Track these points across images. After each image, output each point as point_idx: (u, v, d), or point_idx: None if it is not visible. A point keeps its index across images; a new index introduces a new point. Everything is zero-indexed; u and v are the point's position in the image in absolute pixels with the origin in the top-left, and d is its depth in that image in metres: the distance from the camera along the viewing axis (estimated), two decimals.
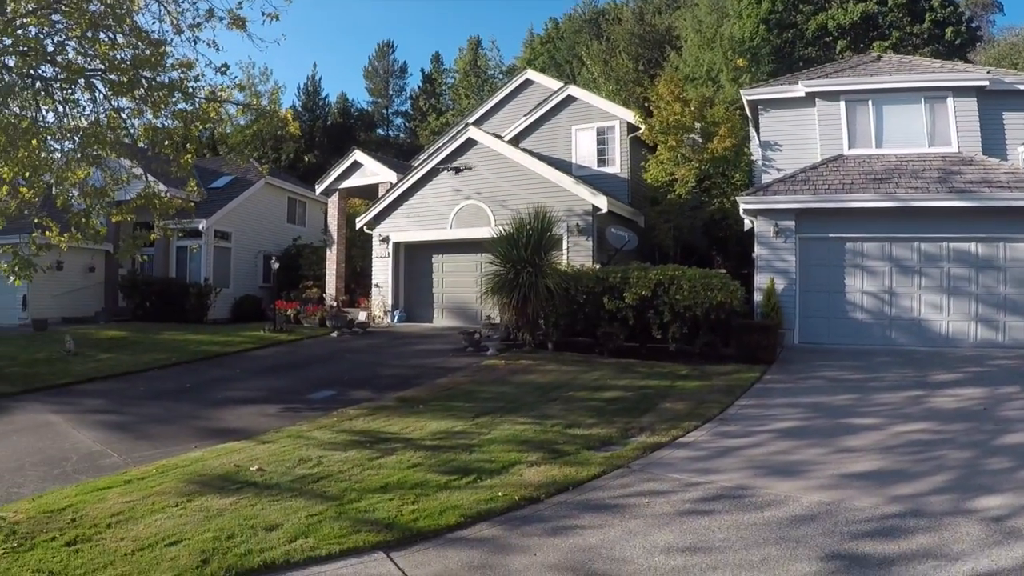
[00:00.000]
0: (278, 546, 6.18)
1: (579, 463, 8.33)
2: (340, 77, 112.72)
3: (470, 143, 23.72)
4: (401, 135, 68.82)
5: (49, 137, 15.13)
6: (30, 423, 12.17)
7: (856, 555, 5.58)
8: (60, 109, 15.31)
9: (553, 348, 17.29)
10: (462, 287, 23.92)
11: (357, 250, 29.97)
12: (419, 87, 68.88)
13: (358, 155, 28.66)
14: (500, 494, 7.26)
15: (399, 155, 40.80)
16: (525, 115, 27.22)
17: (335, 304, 26.57)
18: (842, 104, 19.87)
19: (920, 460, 8.19)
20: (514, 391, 13.00)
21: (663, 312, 15.84)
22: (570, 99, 26.22)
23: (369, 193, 29.24)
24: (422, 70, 69.75)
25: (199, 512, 7.09)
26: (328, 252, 29.38)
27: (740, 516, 6.52)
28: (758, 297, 17.73)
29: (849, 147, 19.66)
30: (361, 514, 6.91)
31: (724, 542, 5.97)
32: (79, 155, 15.10)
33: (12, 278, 15.46)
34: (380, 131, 68.85)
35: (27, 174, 14.21)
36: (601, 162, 25.26)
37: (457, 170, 24.00)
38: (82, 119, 15.48)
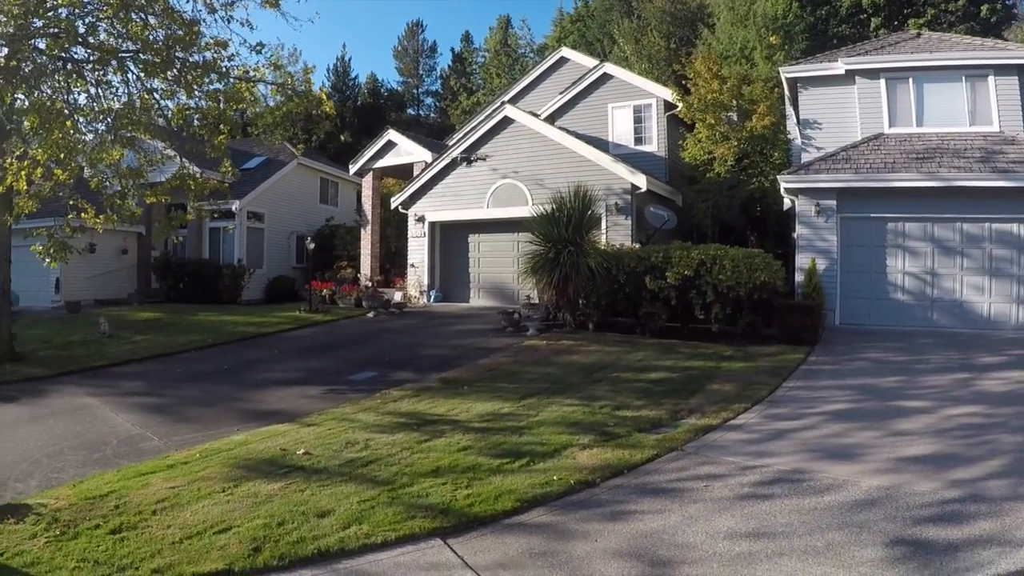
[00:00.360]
0: (331, 533, 6.13)
1: (632, 446, 8.31)
2: (370, 57, 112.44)
3: (506, 121, 23.63)
4: (432, 115, 68.66)
5: (82, 119, 15.20)
6: (67, 406, 12.15)
7: (920, 541, 5.54)
8: (92, 91, 15.38)
9: (594, 328, 17.24)
10: (499, 267, 23.94)
11: (392, 230, 29.98)
12: (449, 67, 68.60)
13: (392, 134, 28.64)
14: (555, 478, 7.23)
15: (430, 135, 40.79)
16: (560, 93, 27.09)
17: (370, 284, 26.65)
18: (882, 82, 19.57)
19: (974, 444, 8.11)
20: (559, 372, 12.99)
21: (706, 292, 15.76)
22: (606, 77, 26.04)
23: (403, 173, 29.22)
24: (452, 50, 69.35)
25: (247, 498, 7.02)
26: (362, 232, 29.45)
27: (800, 500, 6.48)
28: (799, 277, 17.57)
29: (890, 126, 19.38)
30: (414, 499, 6.85)
31: (787, 527, 5.94)
32: (112, 137, 15.16)
33: (48, 260, 15.63)
34: (410, 111, 68.78)
35: (62, 155, 14.26)
36: (638, 140, 25.10)
37: (469, 161, 24.00)
38: (115, 101, 15.56)
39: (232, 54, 15.95)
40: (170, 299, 27.85)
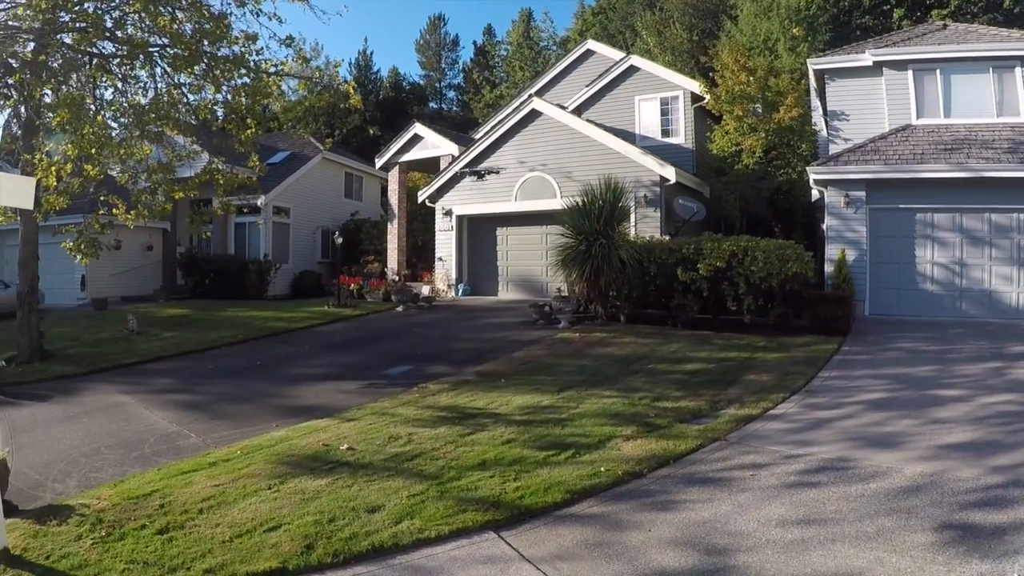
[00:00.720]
0: (384, 528, 6.15)
1: (675, 436, 8.42)
2: (392, 51, 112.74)
3: (534, 114, 23.71)
4: (454, 108, 68.68)
5: (110, 113, 15.29)
6: (100, 404, 12.11)
7: (968, 525, 5.63)
8: (119, 86, 15.45)
9: (625, 320, 17.32)
10: (527, 260, 24.04)
11: (418, 224, 30.16)
12: (471, 60, 68.66)
13: (418, 128, 28.78)
14: (602, 469, 7.32)
15: (452, 128, 40.81)
16: (587, 86, 27.16)
17: (398, 278, 26.83)
18: (910, 73, 19.54)
19: (1013, 431, 8.17)
20: (594, 364, 13.05)
21: (738, 284, 15.81)
22: (633, 69, 26.08)
23: (429, 166, 29.39)
24: (474, 43, 69.49)
25: (294, 494, 7.02)
26: (389, 226, 29.64)
27: (846, 488, 6.59)
28: (828, 268, 17.64)
29: (917, 117, 19.35)
30: (464, 493, 6.89)
31: (836, 514, 6.05)
32: (139, 132, 15.24)
33: (79, 257, 15.77)
34: (432, 104, 68.85)
35: (93, 151, 14.32)
36: (665, 133, 25.15)
37: (479, 175, 24.15)
38: (142, 95, 15.65)
39: (260, 48, 16.09)
40: (196, 295, 28.03)
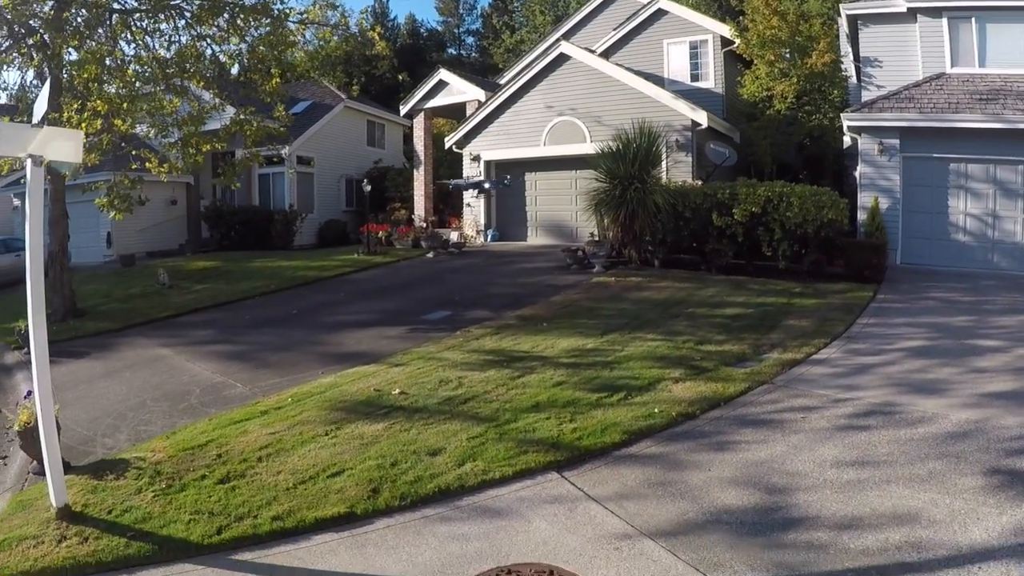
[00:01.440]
0: (448, 471, 6.30)
1: (723, 379, 8.58)
2: None
3: (562, 58, 23.43)
4: (473, 54, 67.84)
5: (137, 67, 15.24)
6: (140, 358, 12.16)
7: (1016, 471, 5.80)
8: (142, 40, 15.43)
9: (659, 265, 17.37)
10: (557, 205, 24.00)
11: (444, 170, 30.05)
12: (490, 4, 67.35)
13: (443, 74, 28.55)
14: (656, 411, 7.50)
15: (472, 73, 40.55)
16: (614, 29, 26.89)
17: (426, 225, 26.89)
18: (945, 21, 19.16)
19: None
20: (634, 308, 13.14)
21: (773, 229, 15.75)
22: (661, 12, 25.79)
23: (455, 112, 29.27)
24: None
25: (353, 440, 7.13)
26: (415, 173, 29.60)
27: (895, 432, 6.76)
28: (861, 216, 17.61)
29: (952, 66, 19.02)
30: (522, 435, 7.05)
31: (888, 456, 6.23)
32: (163, 86, 15.22)
33: (112, 213, 15.82)
34: (451, 51, 67.98)
35: (124, 104, 14.29)
36: (695, 77, 24.95)
37: (505, 184, 24.26)
38: (164, 50, 15.64)
39: None
40: (222, 247, 28.09)
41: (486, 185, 24.71)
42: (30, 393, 6.58)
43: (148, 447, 7.43)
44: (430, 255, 22.52)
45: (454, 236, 24.40)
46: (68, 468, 6.70)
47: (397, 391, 8.66)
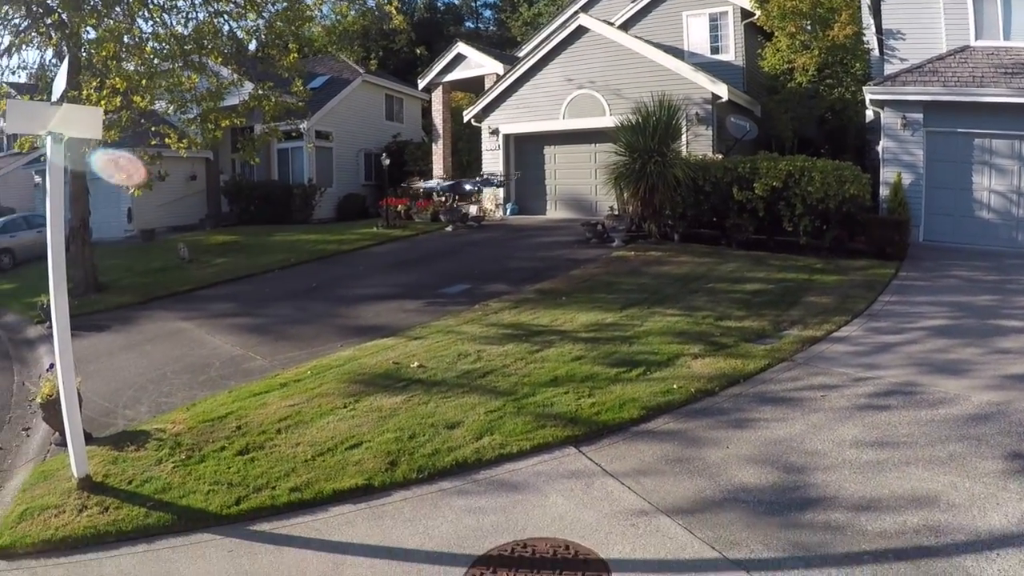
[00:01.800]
0: (465, 444, 6.34)
1: (742, 356, 8.55)
2: None
3: (581, 31, 23.19)
4: (491, 27, 67.23)
5: (156, 44, 15.26)
6: (161, 331, 12.30)
7: None
8: (158, 19, 15.46)
9: (679, 240, 17.29)
10: (576, 178, 23.87)
11: (463, 144, 29.97)
12: None
13: (461, 47, 28.41)
14: (675, 387, 7.49)
15: (491, 47, 40.26)
16: (632, 1, 26.51)
17: (445, 198, 26.85)
18: None
19: None
20: (653, 282, 13.11)
21: (795, 204, 15.59)
22: None
23: (473, 86, 29.12)
24: None
25: (371, 412, 7.19)
26: (434, 147, 29.54)
27: (916, 412, 6.71)
28: (883, 192, 17.37)
29: (976, 38, 18.56)
30: (540, 409, 7.07)
31: (908, 437, 6.19)
32: (181, 63, 15.23)
33: (132, 189, 15.97)
34: (469, 24, 67.38)
35: (144, 81, 14.34)
36: (714, 50, 24.58)
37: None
38: (181, 27, 15.65)
39: None
40: (242, 222, 28.24)
41: (494, 182, 24.62)
42: (52, 366, 6.64)
43: (168, 419, 7.53)
44: (449, 229, 22.49)
45: (473, 210, 24.36)
46: (89, 439, 6.78)
47: (415, 364, 8.70)
